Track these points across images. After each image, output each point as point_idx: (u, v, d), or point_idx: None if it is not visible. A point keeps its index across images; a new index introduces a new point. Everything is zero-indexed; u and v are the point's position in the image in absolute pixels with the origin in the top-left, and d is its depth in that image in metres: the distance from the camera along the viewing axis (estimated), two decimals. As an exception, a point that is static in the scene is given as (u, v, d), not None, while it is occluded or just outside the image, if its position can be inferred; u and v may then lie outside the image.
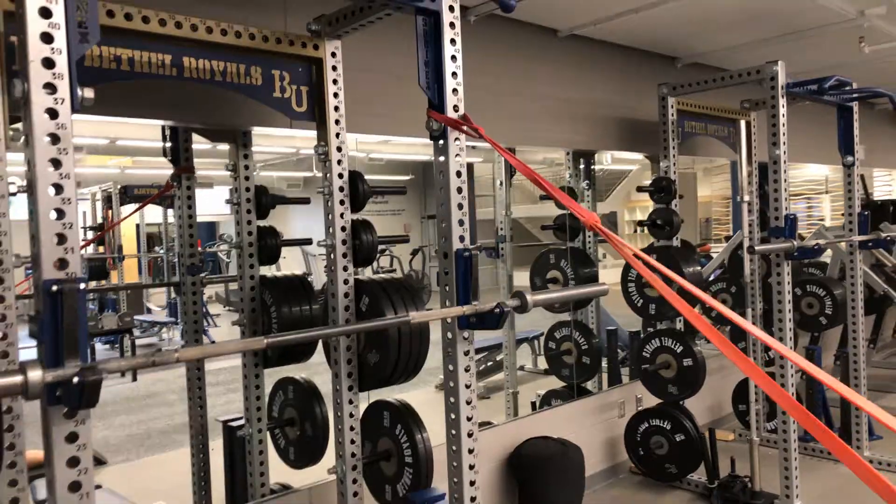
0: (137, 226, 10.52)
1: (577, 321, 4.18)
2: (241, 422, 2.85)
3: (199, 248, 3.30)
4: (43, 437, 1.25)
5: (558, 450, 3.19)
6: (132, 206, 7.89)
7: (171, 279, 8.85)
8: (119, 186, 7.96)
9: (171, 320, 8.40)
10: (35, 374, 1.11)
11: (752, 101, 4.19)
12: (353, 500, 2.29)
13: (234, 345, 1.50)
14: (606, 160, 10.36)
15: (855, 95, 3.78)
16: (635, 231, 13.37)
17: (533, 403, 4.22)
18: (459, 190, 1.90)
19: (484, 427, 3.39)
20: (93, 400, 1.15)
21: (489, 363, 5.95)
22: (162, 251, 9.79)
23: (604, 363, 4.47)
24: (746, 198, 3.53)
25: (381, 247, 2.38)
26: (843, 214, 4.48)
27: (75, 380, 1.12)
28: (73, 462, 1.23)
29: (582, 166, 4.48)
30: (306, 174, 11.02)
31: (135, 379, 6.62)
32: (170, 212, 9.41)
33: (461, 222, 1.90)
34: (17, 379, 1.10)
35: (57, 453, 1.22)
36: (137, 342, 7.75)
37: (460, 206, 1.90)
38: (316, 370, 2.76)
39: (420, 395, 5.07)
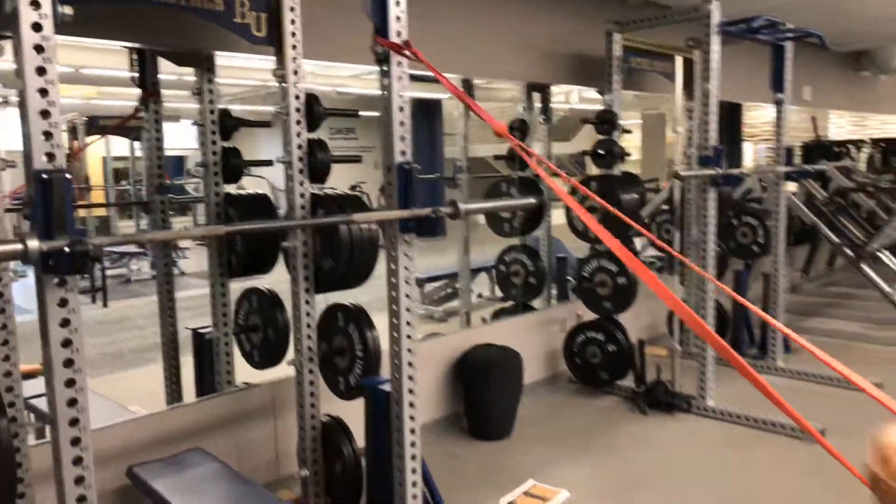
0: (104, 159, 10.52)
1: (525, 245, 4.48)
2: (210, 329, 3.13)
3: (168, 182, 3.48)
4: (38, 305, 1.50)
5: (500, 355, 3.53)
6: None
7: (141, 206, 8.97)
8: (84, 117, 7.96)
9: (141, 251, 8.55)
10: (33, 243, 1.35)
11: (696, 39, 4.42)
12: (308, 388, 2.59)
13: (198, 230, 1.75)
14: (574, 99, 10.50)
15: (788, 35, 4.04)
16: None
17: (483, 319, 4.56)
18: (401, 109, 2.14)
19: (435, 336, 3.71)
20: (81, 267, 1.40)
21: (449, 290, 6.28)
22: (129, 185, 9.84)
23: (554, 290, 4.82)
24: (679, 129, 3.81)
25: (351, 184, 2.63)
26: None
27: (66, 249, 1.37)
28: (65, 322, 1.48)
29: (539, 104, 4.70)
30: (274, 108, 11.01)
31: (105, 305, 6.83)
32: (136, 145, 9.44)
33: (402, 138, 2.14)
34: (18, 246, 1.34)
35: (51, 316, 1.47)
36: (107, 272, 7.91)
37: (402, 124, 2.14)
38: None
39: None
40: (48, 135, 1.43)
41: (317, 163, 2.53)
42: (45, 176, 1.39)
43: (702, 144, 3.54)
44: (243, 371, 3.13)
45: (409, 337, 2.20)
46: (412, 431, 2.23)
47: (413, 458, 2.24)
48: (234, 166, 3.02)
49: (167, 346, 3.33)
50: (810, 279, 6.83)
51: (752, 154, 12.31)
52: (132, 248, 8.93)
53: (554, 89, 4.84)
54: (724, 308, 4.61)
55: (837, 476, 0.58)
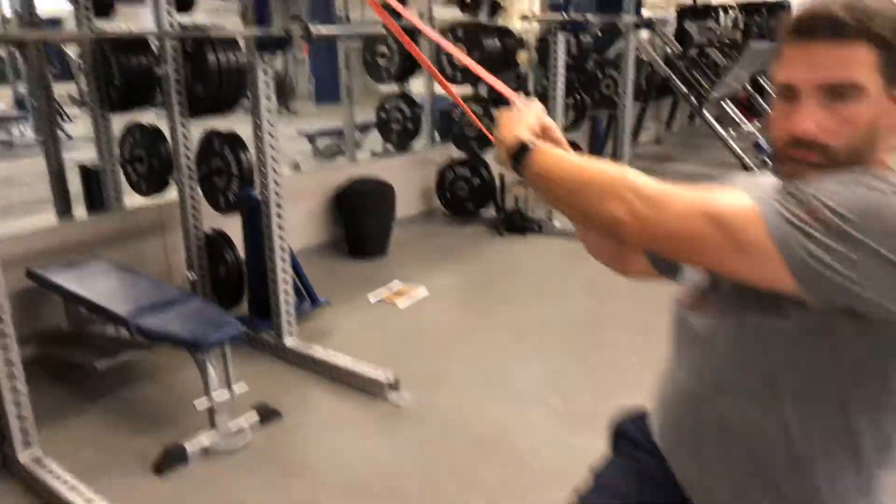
0: None
1: (403, 94, 4.79)
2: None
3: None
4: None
5: (376, 185, 3.94)
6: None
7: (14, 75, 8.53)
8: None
9: (21, 115, 8.26)
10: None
11: None
12: (190, 203, 2.92)
13: (67, 34, 1.99)
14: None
15: None
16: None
17: (364, 163, 4.92)
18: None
19: (319, 170, 4.05)
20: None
21: (339, 146, 6.57)
22: None
23: (437, 140, 5.20)
24: (535, -23, 4.11)
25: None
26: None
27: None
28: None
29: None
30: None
31: (-11, 164, 6.70)
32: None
33: (255, -36, 2.37)
34: None
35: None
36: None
37: (252, -51, 2.36)
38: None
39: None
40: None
41: (181, -8, 2.72)
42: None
43: (552, -8, 3.90)
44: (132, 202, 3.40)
45: (272, 146, 2.54)
46: (280, 228, 2.62)
47: (282, 249, 2.65)
48: (104, 2, 3.14)
49: (54, 181, 3.47)
50: (672, 132, 7.53)
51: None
52: (14, 113, 8.59)
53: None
54: (579, 146, 5.15)
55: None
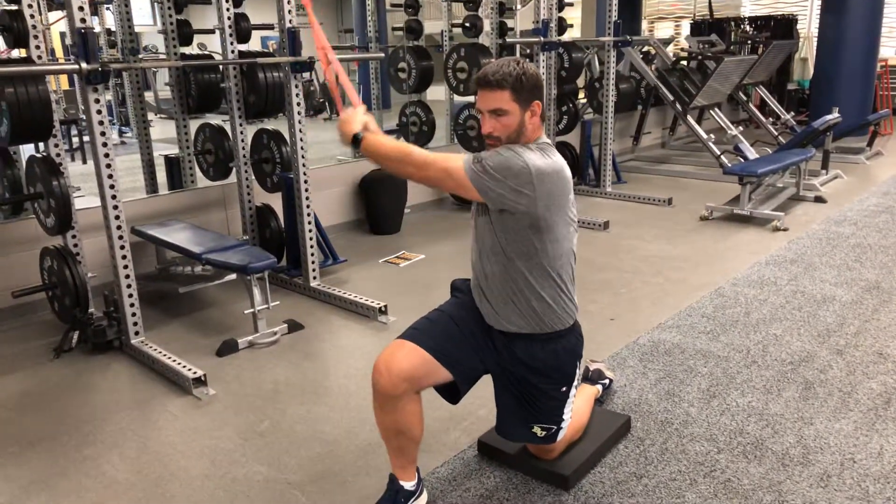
0: (62, 34, 11.21)
1: (420, 101, 5.75)
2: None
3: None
4: (84, 106, 2.77)
5: (390, 175, 4.90)
6: (59, 14, 8.71)
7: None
8: (45, -6, 8.68)
9: (109, 119, 9.57)
10: (84, 65, 2.62)
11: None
12: (245, 183, 3.95)
13: (164, 62, 3.00)
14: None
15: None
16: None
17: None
18: (291, -8, 3.35)
19: (344, 163, 5.05)
20: (107, 79, 2.68)
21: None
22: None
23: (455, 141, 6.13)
24: (519, 6, 5.01)
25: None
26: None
27: (99, 68, 2.64)
28: (102, 132, 2.77)
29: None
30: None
31: (84, 162, 7.98)
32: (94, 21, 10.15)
33: (290, 11, 3.37)
34: (75, 66, 2.61)
35: (92, 109, 2.76)
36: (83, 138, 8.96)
37: (289, 1, 3.36)
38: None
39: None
40: (81, 9, 2.66)
41: (241, 29, 3.75)
42: (83, 30, 2.64)
43: (535, 18, 4.79)
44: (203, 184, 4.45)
45: (301, 140, 3.53)
46: (307, 198, 3.61)
47: (308, 216, 3.63)
48: (185, 33, 4.22)
49: (146, 167, 4.61)
50: (676, 137, 8.26)
51: (670, 32, 13.46)
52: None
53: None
54: (573, 147, 6.00)
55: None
